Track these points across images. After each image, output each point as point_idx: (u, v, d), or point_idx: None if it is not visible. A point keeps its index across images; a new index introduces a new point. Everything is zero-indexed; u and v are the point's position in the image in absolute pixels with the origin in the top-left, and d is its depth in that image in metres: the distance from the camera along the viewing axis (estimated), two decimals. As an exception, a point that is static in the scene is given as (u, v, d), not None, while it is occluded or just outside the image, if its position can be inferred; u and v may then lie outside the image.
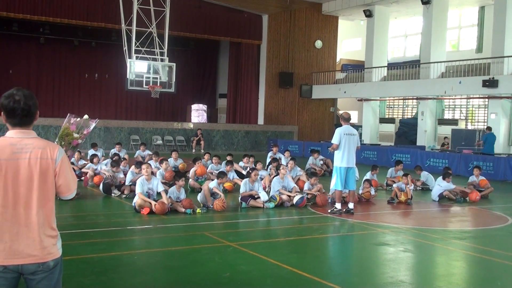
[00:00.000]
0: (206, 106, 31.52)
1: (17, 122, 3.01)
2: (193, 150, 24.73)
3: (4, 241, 2.92)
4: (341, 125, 10.22)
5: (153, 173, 12.16)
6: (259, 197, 10.46)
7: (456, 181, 12.80)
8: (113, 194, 11.32)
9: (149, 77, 20.68)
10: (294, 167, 13.22)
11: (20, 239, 2.94)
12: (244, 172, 13.77)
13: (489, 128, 20.18)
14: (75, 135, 4.51)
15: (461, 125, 25.81)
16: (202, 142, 25.05)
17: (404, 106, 30.89)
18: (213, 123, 29.70)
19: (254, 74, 29.41)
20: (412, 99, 27.74)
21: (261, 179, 11.95)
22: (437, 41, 24.63)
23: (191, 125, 26.85)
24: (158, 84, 20.89)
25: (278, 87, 29.50)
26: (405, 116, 30.34)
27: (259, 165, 13.08)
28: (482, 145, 20.30)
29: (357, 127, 25.73)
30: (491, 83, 20.50)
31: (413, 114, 29.39)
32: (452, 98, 26.33)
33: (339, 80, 30.31)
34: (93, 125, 4.85)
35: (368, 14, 27.73)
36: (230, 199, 10.97)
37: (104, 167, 12.69)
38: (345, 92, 28.34)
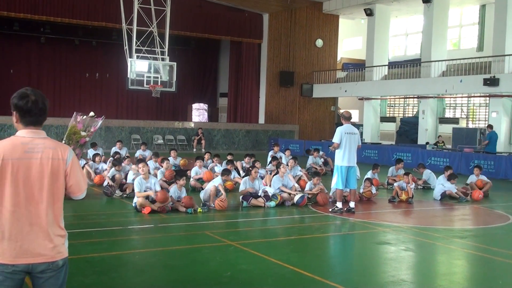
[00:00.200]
0: (207, 105, 31.55)
1: (32, 121, 3.04)
2: (194, 150, 24.75)
3: (15, 240, 2.94)
4: (342, 124, 10.22)
5: (155, 174, 12.22)
6: (260, 196, 10.46)
7: (457, 180, 12.74)
8: (115, 195, 11.30)
9: (150, 77, 20.70)
10: (295, 166, 13.21)
11: (31, 238, 2.96)
12: (242, 173, 13.78)
13: (490, 126, 20.16)
14: (83, 133, 4.52)
15: (462, 124, 25.81)
16: (203, 142, 25.05)
17: (405, 105, 30.88)
18: (214, 122, 29.71)
19: (255, 73, 29.40)
20: (413, 97, 27.71)
21: (262, 178, 11.96)
22: (438, 40, 24.61)
23: (192, 125, 26.85)
24: (159, 84, 20.91)
25: (279, 86, 29.49)
26: (406, 115, 30.32)
27: (257, 164, 13.08)
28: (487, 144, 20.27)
29: (358, 126, 25.73)
30: (492, 82, 20.48)
31: (414, 113, 29.38)
32: (453, 97, 26.33)
33: (340, 79, 30.30)
34: (99, 122, 4.87)
35: (369, 12, 27.71)
36: (231, 198, 10.97)
37: (105, 166, 12.73)
38: (346, 91, 28.34)
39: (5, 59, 26.91)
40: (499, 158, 17.68)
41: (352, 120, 10.45)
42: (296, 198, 10.61)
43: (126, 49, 20.82)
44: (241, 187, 10.65)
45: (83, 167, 12.87)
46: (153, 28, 21.14)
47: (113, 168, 11.88)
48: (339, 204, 10.02)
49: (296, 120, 29.98)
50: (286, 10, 29.18)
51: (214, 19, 27.31)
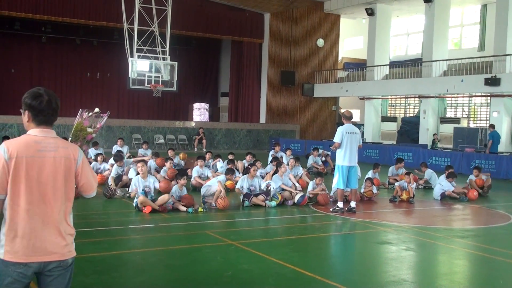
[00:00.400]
0: (208, 104, 31.57)
1: (45, 121, 3.08)
2: (195, 149, 24.74)
3: (28, 238, 2.95)
4: (343, 124, 10.21)
5: (154, 174, 12.27)
6: (260, 194, 10.44)
7: (457, 179, 12.74)
8: (116, 196, 11.30)
9: (151, 76, 20.71)
10: (296, 166, 13.19)
11: (44, 236, 2.98)
12: (240, 174, 13.77)
13: (492, 126, 20.15)
14: (89, 129, 4.56)
15: (463, 124, 25.79)
16: (204, 141, 25.05)
17: (406, 104, 30.87)
18: (215, 121, 29.71)
19: (256, 73, 29.40)
20: (414, 97, 27.71)
21: (262, 177, 11.94)
22: (439, 39, 24.59)
23: (193, 124, 26.86)
24: (160, 83, 20.92)
25: (280, 86, 29.49)
26: (407, 115, 30.31)
27: (258, 164, 13.07)
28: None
29: (359, 125, 25.73)
30: (493, 81, 20.46)
31: (415, 112, 29.37)
32: (454, 97, 26.31)
33: (341, 78, 30.29)
34: (105, 118, 4.90)
35: (370, 12, 27.70)
36: (232, 198, 10.96)
37: (107, 166, 12.72)
38: (347, 91, 28.33)
39: (6, 58, 26.93)
40: (500, 158, 17.66)
41: (353, 120, 10.44)
42: (297, 197, 10.61)
43: (127, 48, 20.83)
44: (239, 184, 10.59)
45: None
46: (154, 27, 21.15)
47: (115, 166, 11.88)
48: (340, 204, 10.02)
49: (297, 119, 29.98)
50: (287, 9, 29.18)
51: (215, 19, 27.31)
